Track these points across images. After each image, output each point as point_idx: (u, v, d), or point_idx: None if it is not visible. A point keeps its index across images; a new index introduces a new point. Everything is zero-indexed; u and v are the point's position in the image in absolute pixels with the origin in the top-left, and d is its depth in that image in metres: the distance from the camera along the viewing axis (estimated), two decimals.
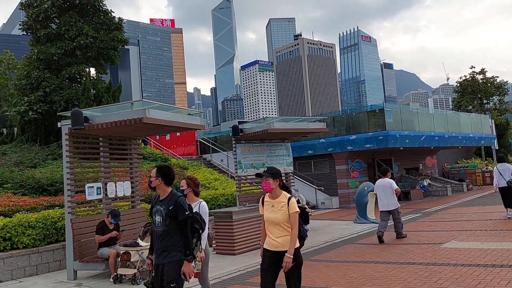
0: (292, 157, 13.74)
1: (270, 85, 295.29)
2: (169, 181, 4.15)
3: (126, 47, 24.10)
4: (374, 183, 17.06)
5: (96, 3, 19.26)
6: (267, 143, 13.03)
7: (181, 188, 5.13)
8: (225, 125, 42.37)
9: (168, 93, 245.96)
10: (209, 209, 12.48)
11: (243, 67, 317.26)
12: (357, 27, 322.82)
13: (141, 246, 7.56)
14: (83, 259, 7.82)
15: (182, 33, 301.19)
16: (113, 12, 20.24)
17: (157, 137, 24.09)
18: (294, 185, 14.29)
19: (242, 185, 12.55)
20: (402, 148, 19.85)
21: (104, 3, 19.74)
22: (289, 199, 4.19)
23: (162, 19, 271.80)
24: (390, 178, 10.35)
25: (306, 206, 12.94)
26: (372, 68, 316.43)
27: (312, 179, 20.67)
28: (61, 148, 15.05)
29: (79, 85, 18.67)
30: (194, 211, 4.46)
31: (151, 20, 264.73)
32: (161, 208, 4.03)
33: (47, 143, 16.91)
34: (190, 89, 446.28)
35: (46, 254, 8.66)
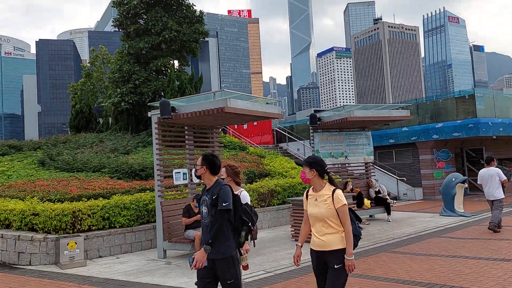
0: (372, 146, 13.35)
1: (347, 72, 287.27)
2: (215, 170, 3.98)
3: (205, 39, 25.00)
4: (462, 174, 16.00)
5: None
6: (346, 131, 12.79)
7: (220, 177, 4.89)
8: (300, 114, 42.19)
9: (244, 83, 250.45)
10: (287, 196, 12.69)
11: (319, 55, 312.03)
12: (443, 7, 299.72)
13: None
14: (171, 239, 8.37)
15: (258, 23, 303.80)
16: (194, 5, 21.07)
17: (235, 126, 24.76)
18: (375, 175, 13.89)
19: None
20: (495, 137, 18.27)
21: None
22: (334, 191, 3.66)
23: (239, 10, 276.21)
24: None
25: (387, 197, 12.56)
26: (460, 51, 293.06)
27: (394, 169, 19.89)
28: (150, 136, 16.10)
29: (164, 77, 19.80)
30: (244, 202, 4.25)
31: (229, 11, 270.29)
32: (207, 198, 3.89)
33: (137, 131, 18.23)
34: (265, 78, 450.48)
35: (139, 233, 9.40)
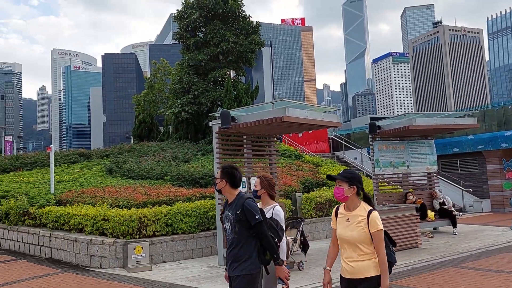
0: (436, 156, 12.80)
1: (405, 77, 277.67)
2: (235, 183, 3.72)
3: (261, 49, 25.36)
4: None
5: (236, 10, 20.69)
6: (407, 140, 12.38)
7: (254, 189, 4.66)
8: (356, 121, 41.29)
9: (298, 91, 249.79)
10: None
11: (375, 60, 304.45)
12: (510, 8, 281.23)
13: (286, 239, 7.91)
14: None
15: (312, 31, 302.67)
16: (250, 17, 21.49)
17: (290, 134, 24.75)
18: (439, 186, 13.29)
19: (379, 184, 12.17)
20: None
21: (243, 9, 21.08)
22: (370, 212, 3.25)
23: (292, 19, 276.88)
24: None
25: (453, 209, 11.98)
26: None
27: (458, 180, 18.90)
28: (208, 145, 16.53)
29: (221, 87, 20.33)
30: (268, 217, 4.02)
31: (283, 20, 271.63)
32: (229, 213, 3.65)
33: (196, 140, 18.83)
34: (319, 85, 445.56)
35: (200, 240, 9.66)
